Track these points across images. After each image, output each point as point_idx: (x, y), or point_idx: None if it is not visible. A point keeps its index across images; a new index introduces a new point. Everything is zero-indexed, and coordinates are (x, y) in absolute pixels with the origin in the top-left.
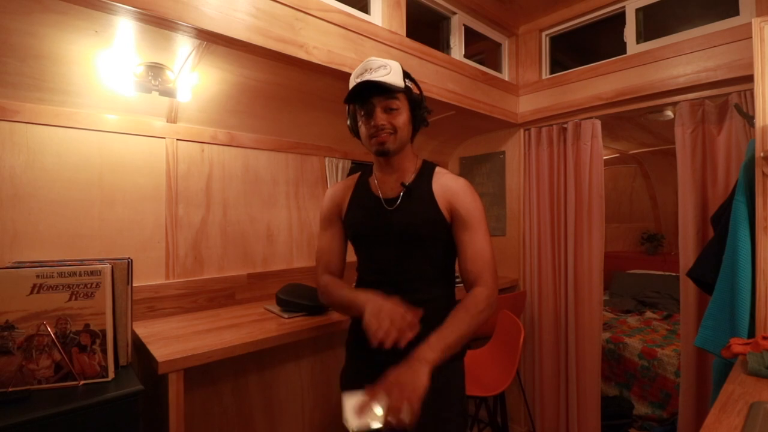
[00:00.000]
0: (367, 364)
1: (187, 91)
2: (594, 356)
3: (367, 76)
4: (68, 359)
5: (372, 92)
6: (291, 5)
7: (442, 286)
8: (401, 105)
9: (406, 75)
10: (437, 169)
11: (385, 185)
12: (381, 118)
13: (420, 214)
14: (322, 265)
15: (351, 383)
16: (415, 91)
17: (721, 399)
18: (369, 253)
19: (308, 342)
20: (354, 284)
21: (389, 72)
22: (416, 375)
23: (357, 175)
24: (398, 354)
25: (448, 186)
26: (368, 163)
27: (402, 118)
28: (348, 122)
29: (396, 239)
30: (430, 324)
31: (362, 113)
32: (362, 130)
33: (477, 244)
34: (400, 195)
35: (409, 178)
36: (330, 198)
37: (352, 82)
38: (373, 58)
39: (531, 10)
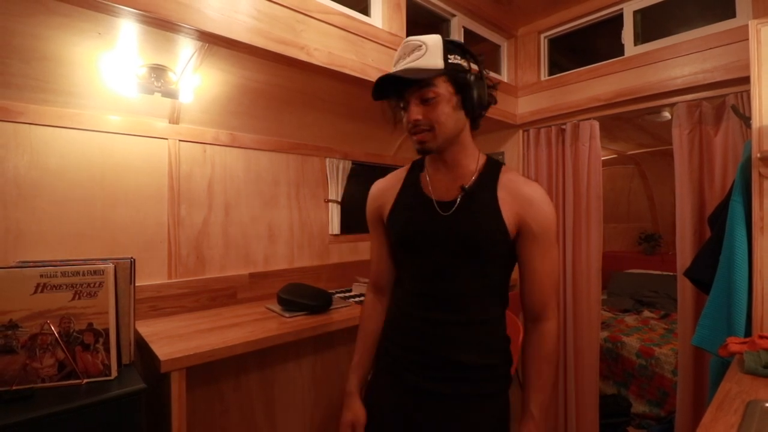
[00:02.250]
0: (394, 383)
1: (189, 93)
2: (592, 355)
3: (400, 66)
4: (71, 358)
5: (403, 84)
6: (292, 7)
7: (496, 306)
8: (440, 91)
9: (452, 48)
10: (503, 168)
11: (439, 185)
12: (414, 112)
13: (480, 224)
14: (372, 276)
15: (376, 399)
16: (467, 66)
17: (718, 397)
18: (414, 262)
19: (309, 341)
20: (392, 299)
21: (423, 53)
22: None
23: (405, 169)
24: (428, 377)
25: (521, 193)
26: (369, 163)
27: (442, 109)
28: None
29: (449, 249)
30: (479, 347)
31: (401, 106)
32: (404, 125)
33: (548, 266)
34: (457, 199)
35: (468, 180)
36: (372, 197)
37: (393, 68)
38: (409, 39)
39: (530, 12)
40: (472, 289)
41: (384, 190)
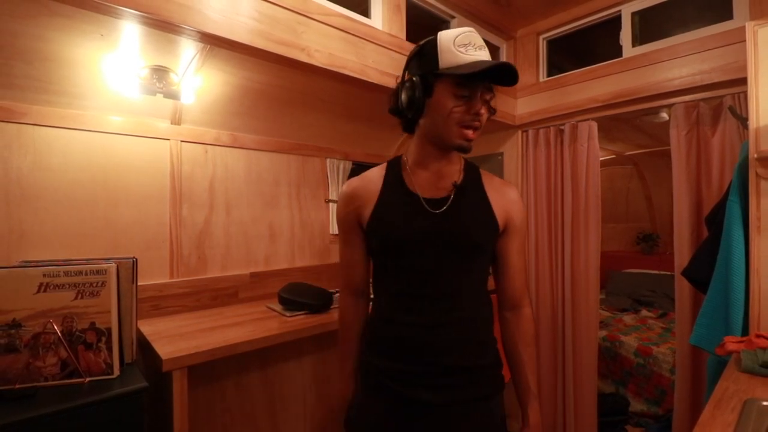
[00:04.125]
0: (383, 399)
1: (191, 94)
2: (590, 354)
3: (485, 55)
4: (74, 357)
5: (492, 75)
6: (293, 9)
7: (484, 304)
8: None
9: None
10: (482, 170)
11: (426, 183)
12: (483, 108)
13: (476, 219)
14: (344, 281)
15: (365, 421)
16: None
17: (715, 396)
18: (403, 263)
19: (310, 340)
20: (373, 310)
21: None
22: None
23: (382, 168)
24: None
25: (506, 192)
26: (369, 164)
27: (487, 115)
28: (407, 93)
29: (443, 248)
30: (472, 348)
31: (464, 93)
32: (453, 111)
33: (523, 259)
34: (449, 196)
35: (454, 178)
36: (348, 198)
37: (450, 47)
38: (472, 30)
39: (529, 13)
40: (462, 287)
41: (360, 189)
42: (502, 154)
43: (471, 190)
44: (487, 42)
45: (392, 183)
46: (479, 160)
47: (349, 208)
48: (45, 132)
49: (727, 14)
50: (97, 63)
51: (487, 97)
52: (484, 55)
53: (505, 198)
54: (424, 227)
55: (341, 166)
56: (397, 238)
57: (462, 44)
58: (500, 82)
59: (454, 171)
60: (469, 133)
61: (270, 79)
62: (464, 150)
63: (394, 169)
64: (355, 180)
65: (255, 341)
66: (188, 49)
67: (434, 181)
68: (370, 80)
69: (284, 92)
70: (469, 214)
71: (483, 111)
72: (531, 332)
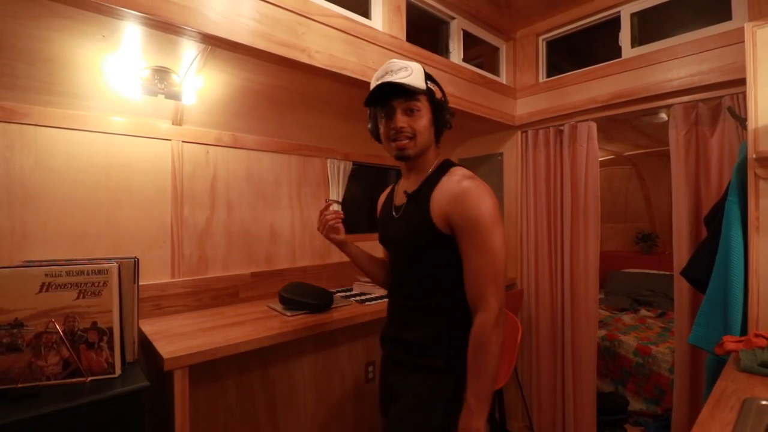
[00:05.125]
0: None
1: (192, 94)
2: (590, 353)
3: (388, 78)
4: (76, 356)
5: (392, 94)
6: (294, 10)
7: (441, 297)
8: (422, 107)
9: (429, 77)
10: (453, 170)
11: (403, 191)
12: (401, 120)
13: (413, 224)
14: None
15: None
16: (438, 93)
17: (714, 395)
18: (390, 257)
19: (310, 339)
20: None
21: (410, 74)
22: None
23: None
24: (394, 355)
25: (450, 190)
26: (369, 164)
27: (423, 121)
28: (369, 125)
29: (398, 247)
30: (421, 329)
31: (382, 115)
32: (382, 132)
33: (481, 259)
34: (404, 204)
35: (416, 185)
36: (378, 207)
37: (373, 85)
38: (394, 60)
39: (528, 14)
40: (418, 280)
41: (382, 199)
42: (501, 154)
43: (420, 196)
44: (486, 43)
45: (391, 192)
46: (479, 161)
47: (377, 213)
48: (47, 132)
49: (725, 15)
50: (99, 64)
51: (413, 106)
52: (398, 77)
53: (448, 198)
54: (389, 230)
55: (342, 167)
56: (381, 238)
57: (378, 77)
58: (405, 93)
59: (419, 179)
60: (399, 144)
61: (271, 80)
62: (403, 158)
63: (399, 180)
64: (384, 192)
65: (256, 341)
66: (189, 50)
67: (408, 187)
68: (370, 81)
69: (285, 93)
70: (411, 221)
71: (402, 124)
72: (478, 340)
